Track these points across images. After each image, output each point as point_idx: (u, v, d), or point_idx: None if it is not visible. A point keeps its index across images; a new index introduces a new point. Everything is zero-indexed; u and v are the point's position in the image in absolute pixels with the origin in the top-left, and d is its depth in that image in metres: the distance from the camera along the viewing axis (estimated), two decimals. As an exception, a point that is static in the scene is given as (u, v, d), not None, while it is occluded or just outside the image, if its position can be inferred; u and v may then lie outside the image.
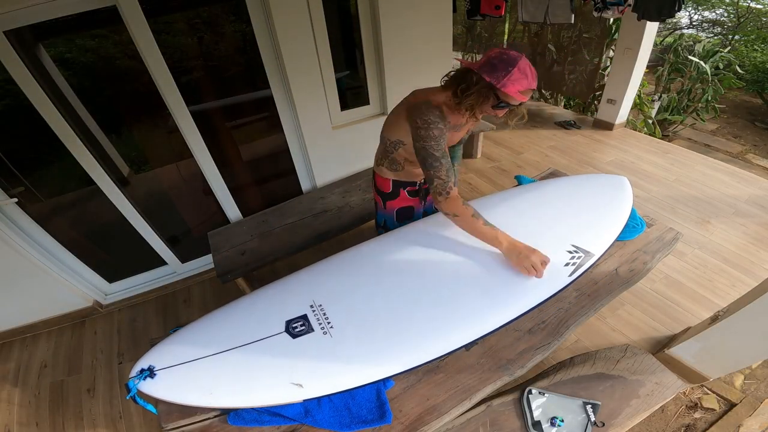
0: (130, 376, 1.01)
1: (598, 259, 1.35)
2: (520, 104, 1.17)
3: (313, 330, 1.12)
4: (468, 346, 1.20)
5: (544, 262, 1.22)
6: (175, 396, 1.00)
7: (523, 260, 1.21)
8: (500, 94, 1.11)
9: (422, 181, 1.53)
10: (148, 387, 1.00)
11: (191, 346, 1.08)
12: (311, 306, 1.18)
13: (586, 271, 1.31)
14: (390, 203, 1.56)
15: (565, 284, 1.27)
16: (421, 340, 1.12)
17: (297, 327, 1.13)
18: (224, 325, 1.14)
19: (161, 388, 1.00)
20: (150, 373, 1.01)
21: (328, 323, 1.14)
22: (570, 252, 1.33)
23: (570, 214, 1.47)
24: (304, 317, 1.15)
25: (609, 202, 1.53)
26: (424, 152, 1.18)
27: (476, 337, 1.16)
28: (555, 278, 1.26)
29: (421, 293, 1.22)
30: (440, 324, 1.15)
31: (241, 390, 1.02)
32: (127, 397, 0.98)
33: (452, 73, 1.21)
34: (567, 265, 1.29)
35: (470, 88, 1.12)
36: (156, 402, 1.03)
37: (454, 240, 1.37)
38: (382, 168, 1.48)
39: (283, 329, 1.12)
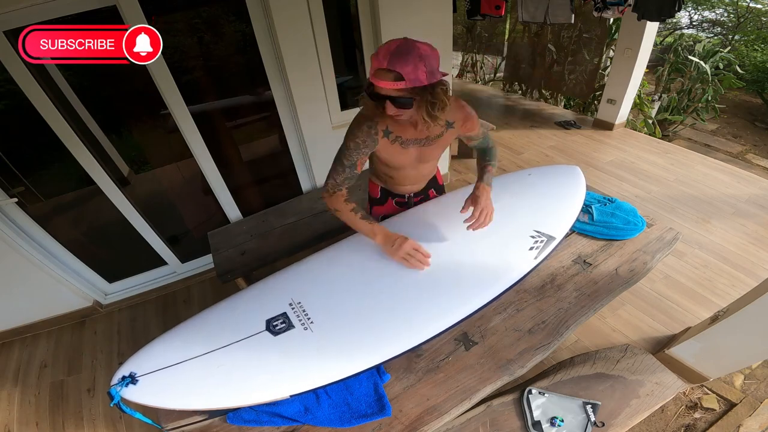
0: (111, 384, 0.99)
1: (560, 242, 1.41)
2: (387, 98, 1.04)
3: (293, 327, 1.13)
4: (468, 346, 1.20)
5: (416, 249, 1.23)
6: (159, 401, 0.99)
7: (397, 250, 1.22)
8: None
9: (411, 195, 1.55)
10: (131, 394, 0.98)
11: (172, 351, 1.07)
12: (290, 304, 1.19)
13: (550, 253, 1.37)
14: (376, 209, 1.60)
15: (532, 267, 1.32)
16: (399, 328, 1.14)
17: (277, 325, 1.13)
18: (204, 329, 1.14)
19: (145, 394, 0.98)
20: (132, 379, 1.00)
21: (308, 319, 1.15)
22: (533, 237, 1.38)
23: (530, 203, 1.53)
24: (284, 315, 1.16)
25: (565, 190, 1.59)
26: (337, 153, 1.21)
27: (453, 323, 1.18)
28: (522, 263, 1.31)
29: (397, 285, 1.24)
30: (417, 313, 1.17)
31: (226, 391, 1.01)
32: (111, 405, 0.96)
33: None
34: (531, 249, 1.34)
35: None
36: (151, 410, 1.02)
37: (427, 235, 1.39)
38: (372, 175, 1.55)
39: (264, 328, 1.12)
